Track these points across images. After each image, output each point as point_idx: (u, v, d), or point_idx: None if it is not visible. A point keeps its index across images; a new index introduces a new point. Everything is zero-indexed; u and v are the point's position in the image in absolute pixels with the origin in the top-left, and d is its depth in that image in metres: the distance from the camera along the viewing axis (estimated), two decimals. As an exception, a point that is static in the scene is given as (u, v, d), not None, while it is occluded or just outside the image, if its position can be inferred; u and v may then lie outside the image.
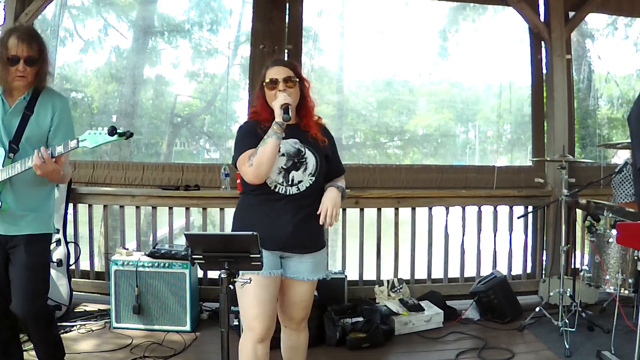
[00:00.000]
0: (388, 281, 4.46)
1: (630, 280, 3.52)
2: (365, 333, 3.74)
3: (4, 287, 2.56)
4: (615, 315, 3.36)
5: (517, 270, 4.98)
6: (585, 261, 4.07)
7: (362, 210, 4.61)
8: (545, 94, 5.12)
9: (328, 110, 5.96)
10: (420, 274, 4.75)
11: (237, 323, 3.56)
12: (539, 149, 5.19)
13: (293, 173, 2.43)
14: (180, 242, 4.24)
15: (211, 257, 1.98)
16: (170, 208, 4.51)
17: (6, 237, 2.54)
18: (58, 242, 4.08)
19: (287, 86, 2.46)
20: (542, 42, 5.04)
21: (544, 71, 5.11)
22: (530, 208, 4.91)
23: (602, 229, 3.74)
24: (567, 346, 3.54)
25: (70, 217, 4.38)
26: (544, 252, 5.00)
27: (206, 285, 4.43)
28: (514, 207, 4.91)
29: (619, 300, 3.43)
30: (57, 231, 4.10)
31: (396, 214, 4.69)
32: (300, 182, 2.44)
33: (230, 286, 1.98)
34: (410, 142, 6.59)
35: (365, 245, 4.61)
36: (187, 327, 3.89)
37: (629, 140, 3.97)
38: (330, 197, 2.45)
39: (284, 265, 2.48)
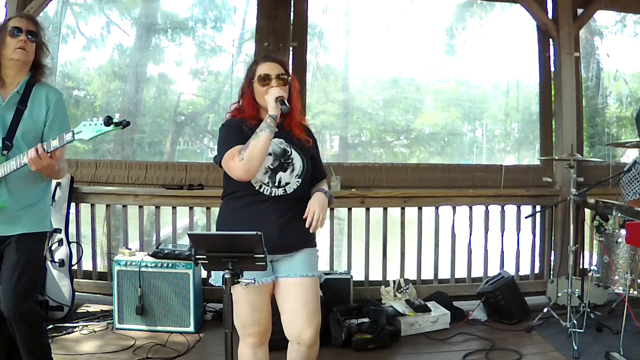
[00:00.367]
0: (394, 281, 4.42)
1: (639, 281, 3.47)
2: (371, 334, 3.71)
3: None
4: (624, 316, 3.30)
5: (524, 270, 4.93)
6: (594, 261, 4.04)
7: (368, 209, 4.58)
8: (553, 92, 5.07)
9: (333, 109, 5.94)
10: (427, 274, 4.72)
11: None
12: (547, 147, 5.15)
13: (280, 174, 2.36)
14: (184, 242, 4.21)
15: (215, 257, 1.96)
16: (174, 207, 4.48)
17: (2, 238, 2.48)
18: (60, 242, 4.06)
19: (279, 83, 2.39)
20: (550, 40, 4.99)
21: (552, 69, 5.06)
22: (538, 207, 4.86)
23: (611, 229, 3.69)
24: (576, 347, 3.49)
25: (72, 216, 4.36)
26: (552, 252, 4.95)
27: (210, 286, 4.38)
28: (522, 207, 4.86)
29: (628, 301, 3.37)
30: (59, 231, 4.08)
31: (402, 214, 4.64)
32: (287, 183, 2.37)
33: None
34: (416, 140, 6.56)
35: (371, 245, 4.58)
36: (191, 328, 3.86)
37: (638, 139, 3.97)
38: (319, 201, 2.37)
39: (275, 269, 2.40)
